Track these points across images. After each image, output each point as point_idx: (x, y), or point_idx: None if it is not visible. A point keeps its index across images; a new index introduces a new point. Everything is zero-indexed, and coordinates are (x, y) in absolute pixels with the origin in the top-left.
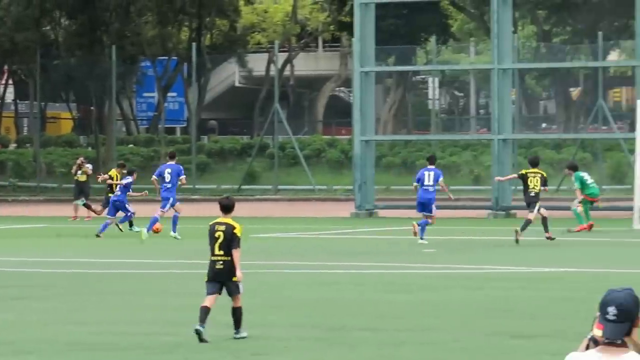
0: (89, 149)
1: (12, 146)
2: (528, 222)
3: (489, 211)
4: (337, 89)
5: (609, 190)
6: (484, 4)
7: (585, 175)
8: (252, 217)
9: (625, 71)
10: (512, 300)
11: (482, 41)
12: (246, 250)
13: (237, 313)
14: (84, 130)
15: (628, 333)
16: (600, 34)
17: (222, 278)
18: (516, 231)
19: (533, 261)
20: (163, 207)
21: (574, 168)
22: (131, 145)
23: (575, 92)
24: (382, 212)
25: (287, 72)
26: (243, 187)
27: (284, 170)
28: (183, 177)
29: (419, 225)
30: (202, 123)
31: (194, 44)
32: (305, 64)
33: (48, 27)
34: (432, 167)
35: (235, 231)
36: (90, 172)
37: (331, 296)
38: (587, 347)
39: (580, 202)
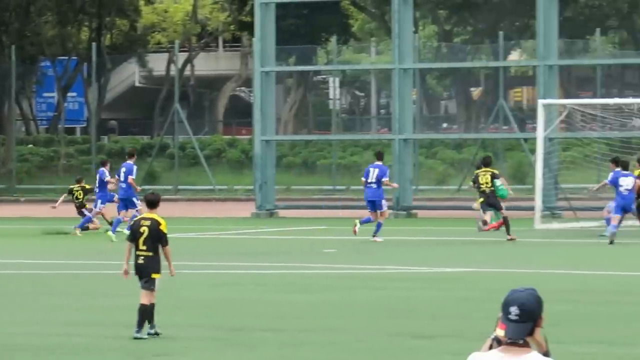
0: None
1: None
2: (506, 221)
3: (391, 211)
4: (238, 88)
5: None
6: (384, 4)
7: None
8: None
9: (526, 71)
10: (414, 301)
11: (383, 41)
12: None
13: (146, 311)
14: None
15: (530, 333)
16: (501, 33)
17: (142, 273)
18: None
19: (435, 261)
20: (118, 208)
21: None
22: (30, 146)
23: (476, 92)
24: (282, 212)
25: (187, 72)
26: (143, 187)
27: (184, 170)
28: (130, 177)
29: (361, 223)
30: (102, 123)
31: (94, 43)
32: (206, 64)
33: None
34: (379, 163)
35: (161, 227)
36: None
37: (232, 297)
38: (491, 347)
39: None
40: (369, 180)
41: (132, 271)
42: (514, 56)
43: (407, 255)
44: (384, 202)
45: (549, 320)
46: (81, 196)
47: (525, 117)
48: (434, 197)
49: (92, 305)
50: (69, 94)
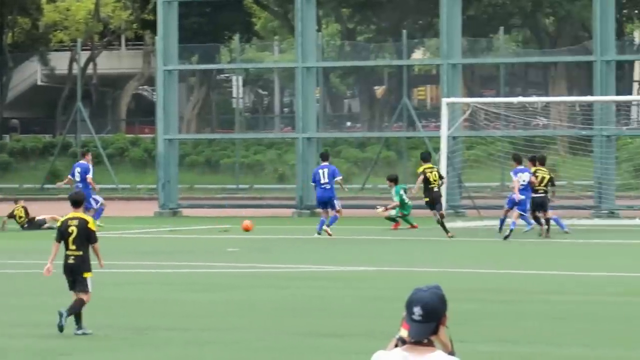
0: None
1: None
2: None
3: (294, 210)
4: (141, 87)
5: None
6: (287, 2)
7: (403, 193)
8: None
9: (429, 69)
10: (318, 300)
11: (286, 39)
12: (47, 250)
13: (80, 310)
14: None
15: (434, 332)
16: (404, 32)
17: (73, 273)
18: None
19: (340, 260)
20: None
21: (395, 181)
22: None
23: (379, 90)
24: (185, 211)
25: (89, 70)
26: (46, 186)
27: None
28: (88, 176)
29: (321, 228)
30: (3, 122)
31: None
32: (108, 63)
33: None
34: (326, 163)
35: (89, 225)
36: None
37: (137, 296)
38: (396, 346)
39: (386, 208)
40: (322, 182)
41: (55, 270)
42: (418, 55)
43: (312, 254)
44: (336, 201)
45: (454, 319)
46: (23, 214)
47: (427, 115)
48: (338, 196)
49: (14, 305)
50: None
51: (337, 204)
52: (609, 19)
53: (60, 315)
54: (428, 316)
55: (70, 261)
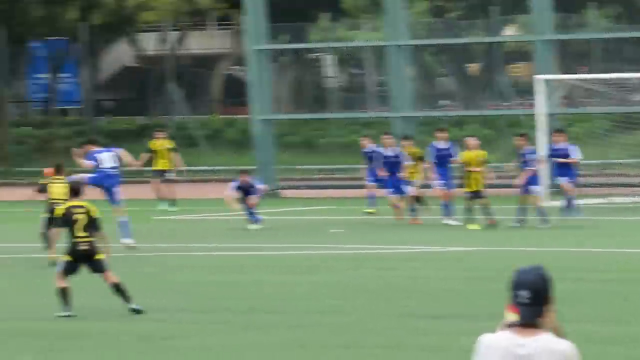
0: None
1: None
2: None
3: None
4: (232, 67)
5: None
6: None
7: None
8: (153, 199)
9: (523, 46)
10: (420, 281)
11: (375, 18)
12: (148, 232)
13: (119, 288)
14: None
15: (542, 314)
16: (495, 8)
17: (86, 258)
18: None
19: (439, 241)
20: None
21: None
22: (26, 128)
23: (472, 68)
24: (285, 192)
25: (180, 51)
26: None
27: (182, 151)
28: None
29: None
30: (96, 104)
31: (83, 23)
32: (199, 43)
33: None
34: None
35: (95, 213)
36: None
37: (237, 279)
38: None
39: None
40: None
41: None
42: (509, 31)
43: (413, 235)
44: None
45: (557, 299)
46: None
47: (523, 92)
48: None
49: None
50: (62, 75)
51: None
52: None
53: (132, 310)
54: (535, 298)
55: (84, 247)
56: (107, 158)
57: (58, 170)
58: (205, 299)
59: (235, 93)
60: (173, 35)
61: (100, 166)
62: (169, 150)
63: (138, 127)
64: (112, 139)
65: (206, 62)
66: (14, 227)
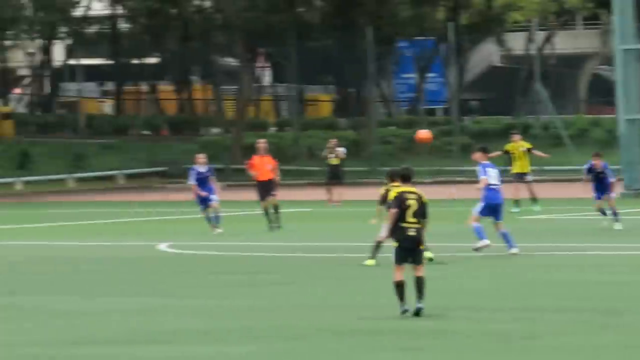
0: (350, 131)
1: (272, 129)
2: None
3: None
4: (599, 67)
5: None
6: None
7: None
8: (510, 200)
9: None
10: None
11: None
12: (515, 231)
13: (420, 282)
14: (344, 112)
15: None
16: None
17: (414, 244)
18: None
19: None
20: None
21: None
22: (392, 127)
23: None
24: None
25: (546, 50)
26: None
27: (548, 151)
28: None
29: None
30: (462, 104)
31: (450, 23)
32: (565, 42)
33: (302, 9)
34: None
35: (425, 200)
36: (343, 156)
37: (602, 279)
38: None
39: None
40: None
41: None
42: None
43: None
44: None
45: None
46: None
47: None
48: None
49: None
50: (428, 75)
51: None
52: None
53: (417, 309)
54: None
55: (412, 233)
56: (494, 175)
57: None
58: (569, 298)
59: (602, 93)
60: (540, 35)
61: (488, 182)
62: (525, 152)
63: (504, 127)
64: (477, 139)
65: (573, 61)
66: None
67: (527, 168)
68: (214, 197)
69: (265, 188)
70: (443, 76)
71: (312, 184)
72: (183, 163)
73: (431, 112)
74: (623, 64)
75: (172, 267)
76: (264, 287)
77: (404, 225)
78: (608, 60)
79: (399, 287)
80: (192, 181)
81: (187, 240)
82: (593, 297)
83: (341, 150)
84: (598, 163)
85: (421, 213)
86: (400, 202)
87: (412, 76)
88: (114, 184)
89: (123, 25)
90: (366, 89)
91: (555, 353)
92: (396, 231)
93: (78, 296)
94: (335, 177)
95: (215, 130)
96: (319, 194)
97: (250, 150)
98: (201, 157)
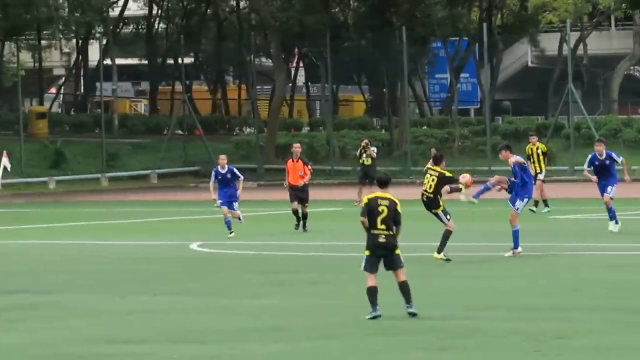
0: (382, 131)
1: (305, 129)
2: None
3: None
4: (632, 68)
5: None
6: None
7: None
8: (549, 199)
9: None
10: None
11: None
12: (542, 231)
13: (404, 287)
14: (377, 112)
15: None
16: None
17: (386, 250)
18: None
19: None
20: None
21: None
22: (425, 127)
23: None
24: None
25: (579, 51)
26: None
27: (580, 151)
28: None
29: None
30: (495, 104)
31: (484, 24)
32: (598, 43)
33: (337, 9)
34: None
35: (398, 207)
36: (374, 155)
37: (630, 278)
38: None
39: None
40: None
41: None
42: None
43: None
44: None
45: None
46: None
47: None
48: None
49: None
50: (462, 75)
51: None
52: None
53: (410, 314)
54: None
55: (382, 240)
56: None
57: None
58: (599, 298)
59: (636, 93)
60: (573, 35)
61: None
62: (541, 154)
63: (537, 127)
64: (509, 139)
65: (606, 62)
66: None
67: (541, 168)
68: (235, 205)
69: (297, 193)
70: (476, 76)
71: (344, 184)
72: (216, 163)
73: (464, 113)
74: None
75: (204, 266)
76: (296, 287)
77: (375, 232)
78: None
79: (371, 293)
80: (211, 181)
81: (219, 240)
82: (623, 296)
83: (374, 149)
84: (600, 149)
85: (392, 220)
86: (369, 209)
87: (446, 76)
88: (147, 183)
89: (159, 26)
90: (399, 89)
91: (588, 353)
92: (367, 238)
93: (110, 294)
94: (367, 176)
95: (248, 130)
96: (351, 193)
97: (284, 150)
98: (222, 158)
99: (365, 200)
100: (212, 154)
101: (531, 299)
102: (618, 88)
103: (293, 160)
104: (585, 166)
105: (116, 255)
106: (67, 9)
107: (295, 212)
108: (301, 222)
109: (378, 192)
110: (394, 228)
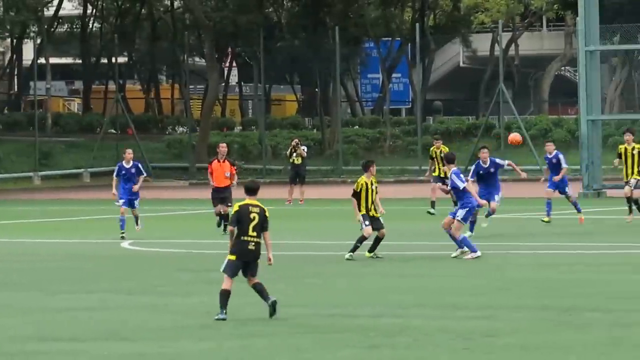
0: (314, 131)
1: (237, 129)
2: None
3: None
4: (563, 68)
5: None
6: None
7: None
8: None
9: None
10: None
11: None
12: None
13: (260, 287)
14: (309, 112)
15: None
16: None
17: (251, 258)
18: None
19: None
20: None
21: None
22: (356, 127)
23: None
24: (610, 192)
25: (511, 51)
26: (469, 167)
27: (511, 151)
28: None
29: None
30: (426, 104)
31: (417, 24)
32: (530, 44)
33: (271, 9)
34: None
35: (267, 214)
36: (305, 154)
37: (558, 277)
38: None
39: None
40: None
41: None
42: None
43: None
44: None
45: None
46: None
47: None
48: None
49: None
50: (394, 75)
51: None
52: None
53: (272, 304)
54: None
55: (251, 247)
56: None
57: None
58: (526, 296)
59: (566, 94)
60: (505, 36)
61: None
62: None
63: (467, 127)
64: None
65: (537, 63)
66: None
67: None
68: (136, 202)
69: (220, 195)
70: (408, 76)
71: (275, 183)
72: (148, 162)
73: (396, 112)
74: (586, 65)
75: (136, 264)
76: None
77: (245, 238)
78: (572, 62)
79: (224, 296)
80: (114, 175)
81: (150, 239)
82: (551, 295)
83: (304, 148)
84: (550, 148)
85: (260, 227)
86: (240, 215)
87: (378, 76)
88: (80, 182)
89: (93, 25)
90: (332, 88)
91: (516, 351)
92: (235, 244)
93: (42, 292)
94: (298, 176)
95: (181, 129)
96: (282, 192)
97: (216, 149)
98: (128, 153)
99: (236, 207)
100: (145, 153)
101: (460, 298)
102: (549, 88)
103: (219, 161)
104: (470, 177)
105: (48, 253)
106: (1, 8)
107: (218, 214)
108: (223, 223)
109: (248, 200)
110: (262, 235)
